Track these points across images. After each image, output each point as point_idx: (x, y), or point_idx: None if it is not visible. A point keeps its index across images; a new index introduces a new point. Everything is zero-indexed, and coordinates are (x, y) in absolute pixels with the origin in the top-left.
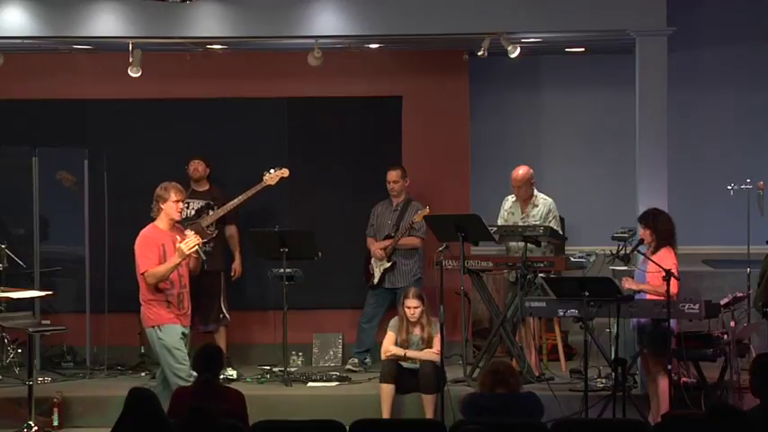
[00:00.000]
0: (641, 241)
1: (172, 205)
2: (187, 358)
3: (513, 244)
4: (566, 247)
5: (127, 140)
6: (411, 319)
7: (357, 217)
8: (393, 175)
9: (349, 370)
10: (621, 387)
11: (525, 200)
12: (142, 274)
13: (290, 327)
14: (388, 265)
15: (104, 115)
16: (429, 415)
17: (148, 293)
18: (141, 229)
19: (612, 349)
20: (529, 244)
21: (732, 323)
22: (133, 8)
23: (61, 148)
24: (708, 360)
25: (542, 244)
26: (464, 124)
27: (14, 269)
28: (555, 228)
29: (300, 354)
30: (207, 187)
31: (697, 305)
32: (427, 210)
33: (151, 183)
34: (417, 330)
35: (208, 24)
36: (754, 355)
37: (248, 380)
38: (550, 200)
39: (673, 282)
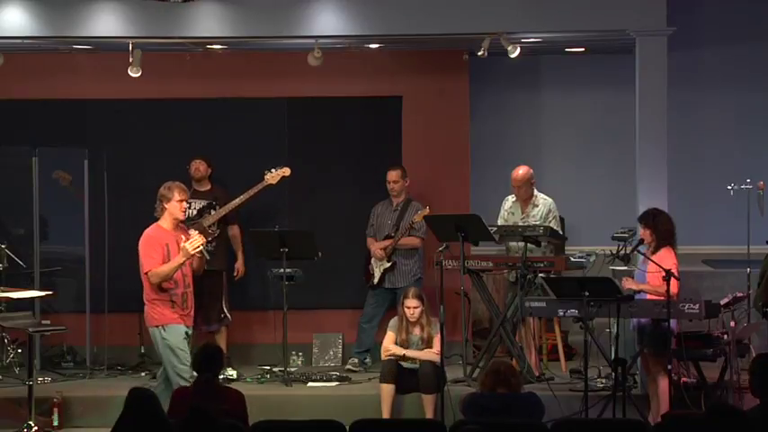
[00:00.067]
0: (641, 241)
1: (176, 205)
2: (190, 358)
3: (513, 244)
4: (566, 247)
5: (127, 140)
6: (411, 319)
7: (357, 217)
8: (393, 175)
9: (349, 370)
10: (621, 387)
11: (525, 200)
12: (146, 273)
13: (290, 327)
14: (388, 265)
15: (104, 115)
16: (429, 415)
17: (152, 293)
18: (141, 228)
19: (612, 349)
20: (529, 244)
21: (732, 323)
22: (133, 8)
23: (61, 148)
24: (708, 360)
25: (542, 244)
26: (464, 124)
27: (14, 269)
28: (555, 228)
29: (300, 354)
30: (209, 187)
31: (697, 305)
32: (427, 210)
33: (151, 183)
34: (417, 330)
35: (208, 24)
36: (754, 355)
37: (248, 380)
38: (550, 200)
39: (673, 282)
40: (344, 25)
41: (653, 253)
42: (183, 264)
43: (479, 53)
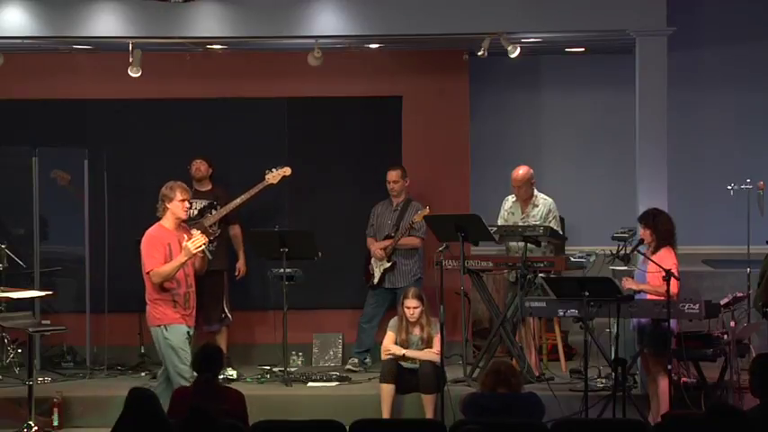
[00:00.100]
0: (641, 241)
1: (178, 204)
2: (191, 359)
3: (513, 244)
4: (566, 247)
5: (127, 140)
6: (410, 320)
7: (357, 217)
8: (393, 175)
9: (349, 370)
10: (621, 387)
11: (525, 200)
12: (148, 273)
13: (290, 327)
14: (388, 265)
15: (104, 115)
16: (429, 415)
17: (155, 293)
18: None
19: (612, 349)
20: (529, 244)
21: (732, 323)
22: (133, 8)
23: (61, 148)
24: (708, 360)
25: (542, 244)
26: (464, 124)
27: (14, 269)
28: (555, 228)
29: (300, 354)
30: (209, 187)
31: (697, 305)
32: (427, 210)
33: (151, 183)
34: (417, 330)
35: (208, 24)
36: (754, 355)
37: (248, 380)
38: (550, 200)
39: (673, 282)
40: (344, 25)
41: (653, 253)
42: (184, 263)
43: (479, 53)
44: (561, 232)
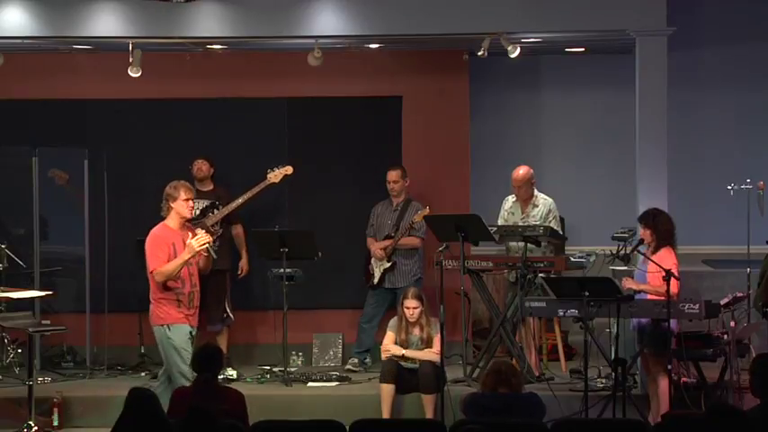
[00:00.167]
0: (641, 241)
1: (182, 204)
2: None
3: (513, 244)
4: (566, 247)
5: (127, 140)
6: (410, 320)
7: (357, 217)
8: (393, 175)
9: (349, 370)
10: (621, 387)
11: (525, 200)
12: (151, 272)
13: (290, 327)
14: (388, 265)
15: (104, 115)
16: (429, 415)
17: (159, 291)
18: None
19: (612, 349)
20: (529, 244)
21: (732, 323)
22: (133, 8)
23: (61, 148)
24: (708, 360)
25: (542, 244)
26: (464, 124)
27: (14, 269)
28: (555, 228)
29: (300, 354)
30: (211, 187)
31: (697, 305)
32: (427, 210)
33: (151, 183)
34: (417, 330)
35: (208, 24)
36: (754, 355)
37: (248, 380)
38: (550, 200)
39: (673, 282)
40: (344, 25)
41: (653, 253)
42: (187, 261)
43: (479, 53)
44: (561, 232)
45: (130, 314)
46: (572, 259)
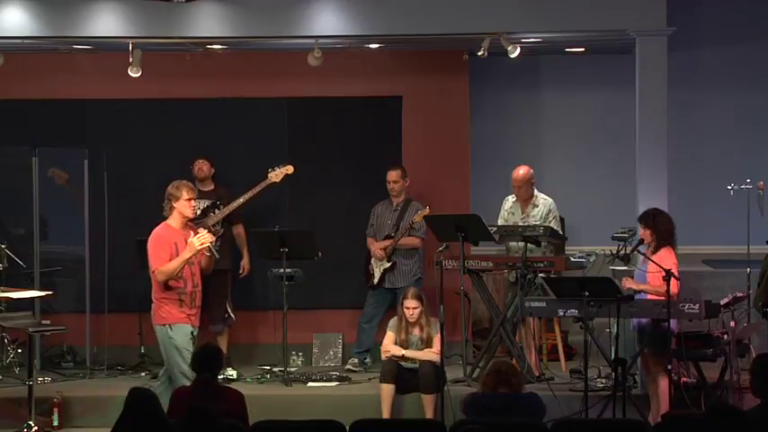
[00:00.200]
0: (641, 241)
1: (184, 203)
2: None
3: (513, 244)
4: (566, 247)
5: (127, 140)
6: (410, 320)
7: (357, 217)
8: (393, 175)
9: (349, 370)
10: (621, 387)
11: (525, 200)
12: (153, 271)
13: (290, 327)
14: (388, 265)
15: (104, 115)
16: (429, 415)
17: (161, 291)
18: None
19: (612, 349)
20: (529, 244)
21: (732, 323)
22: (133, 8)
23: (61, 148)
24: (708, 360)
25: (542, 244)
26: (464, 124)
27: (14, 269)
28: (555, 228)
29: (300, 354)
30: (212, 187)
31: (697, 305)
32: (427, 210)
33: (151, 183)
34: (416, 331)
35: (208, 24)
36: (754, 355)
37: (248, 380)
38: (551, 200)
39: (673, 282)
40: (344, 25)
41: (653, 253)
42: (188, 260)
43: (479, 53)
44: (561, 232)
45: (130, 314)
46: (572, 259)
